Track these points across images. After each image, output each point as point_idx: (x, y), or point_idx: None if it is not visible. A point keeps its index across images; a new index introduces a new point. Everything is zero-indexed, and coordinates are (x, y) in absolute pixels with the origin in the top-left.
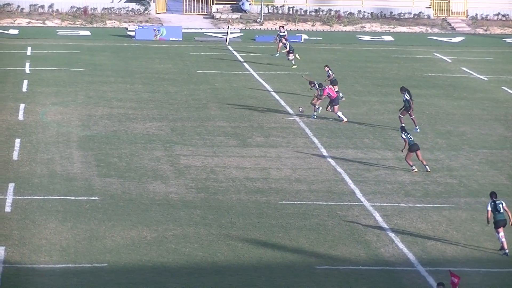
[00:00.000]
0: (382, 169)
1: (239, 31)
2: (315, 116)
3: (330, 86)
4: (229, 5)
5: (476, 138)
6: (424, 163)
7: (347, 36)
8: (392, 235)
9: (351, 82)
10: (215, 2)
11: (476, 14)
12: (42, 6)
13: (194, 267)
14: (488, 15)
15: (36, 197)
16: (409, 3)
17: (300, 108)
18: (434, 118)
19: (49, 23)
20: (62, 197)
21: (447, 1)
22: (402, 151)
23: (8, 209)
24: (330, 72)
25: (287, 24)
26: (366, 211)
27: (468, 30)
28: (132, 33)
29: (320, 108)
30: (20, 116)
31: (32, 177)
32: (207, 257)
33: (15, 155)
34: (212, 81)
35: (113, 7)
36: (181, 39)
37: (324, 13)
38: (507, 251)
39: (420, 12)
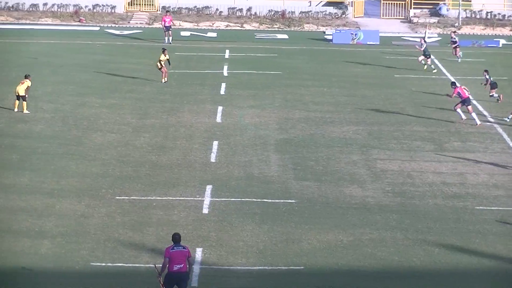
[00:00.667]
0: None
1: (436, 36)
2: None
3: (463, 87)
4: (426, 9)
5: None
6: None
7: None
8: None
9: None
10: (412, 6)
11: None
12: (241, 10)
13: (390, 271)
14: None
15: (233, 199)
16: None
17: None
18: None
19: (247, 26)
20: (259, 200)
21: None
22: None
23: (205, 211)
24: (487, 76)
25: (485, 29)
26: None
27: None
28: (330, 37)
29: None
30: (218, 119)
31: (230, 179)
32: (403, 262)
33: (212, 157)
34: (409, 85)
35: (310, 11)
36: (378, 43)
37: None
38: None
39: None
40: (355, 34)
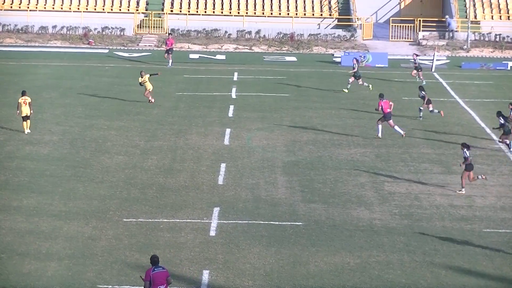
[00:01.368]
0: None
1: (445, 58)
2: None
3: (390, 102)
4: (435, 32)
5: None
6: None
7: None
8: None
9: None
10: (421, 28)
11: None
12: (249, 32)
13: None
14: None
15: (240, 221)
16: None
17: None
18: None
19: (256, 49)
20: (267, 222)
21: None
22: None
23: (212, 233)
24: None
25: (494, 51)
26: None
27: None
28: (338, 59)
29: None
30: (226, 141)
31: (237, 201)
32: (410, 284)
33: (220, 180)
34: (417, 108)
35: (319, 33)
36: (386, 65)
37: None
38: None
39: None
40: (364, 57)
